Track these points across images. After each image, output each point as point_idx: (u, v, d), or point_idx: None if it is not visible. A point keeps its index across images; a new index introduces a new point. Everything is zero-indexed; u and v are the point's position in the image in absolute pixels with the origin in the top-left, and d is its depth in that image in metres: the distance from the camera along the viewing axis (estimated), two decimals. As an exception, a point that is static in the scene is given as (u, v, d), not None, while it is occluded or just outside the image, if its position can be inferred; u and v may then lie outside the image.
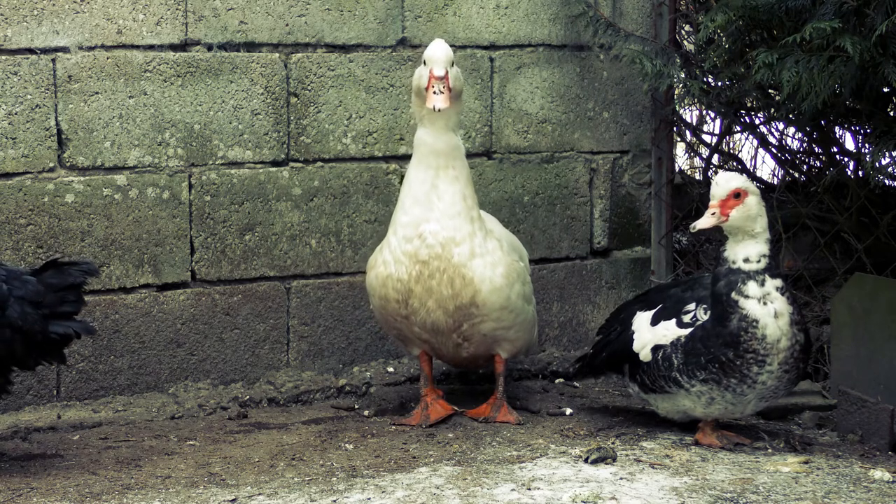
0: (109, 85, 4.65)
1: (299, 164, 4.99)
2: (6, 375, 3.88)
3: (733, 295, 3.97)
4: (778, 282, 3.98)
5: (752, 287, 3.96)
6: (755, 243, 3.99)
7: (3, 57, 4.49)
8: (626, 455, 4.07)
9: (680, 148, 6.41)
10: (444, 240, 4.28)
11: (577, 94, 5.48)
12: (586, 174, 5.53)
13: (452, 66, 4.27)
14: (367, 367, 5.10)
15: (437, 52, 4.25)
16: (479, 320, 4.35)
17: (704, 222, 4.03)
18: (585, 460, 3.98)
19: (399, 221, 4.36)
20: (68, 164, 4.62)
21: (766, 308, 3.95)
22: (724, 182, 4.00)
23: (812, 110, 4.57)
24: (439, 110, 4.18)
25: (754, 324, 3.94)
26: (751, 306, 3.95)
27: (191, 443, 4.28)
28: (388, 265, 4.36)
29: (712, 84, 5.27)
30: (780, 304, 3.97)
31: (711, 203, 4.00)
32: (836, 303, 4.52)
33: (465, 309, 4.31)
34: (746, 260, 3.99)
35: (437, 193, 4.31)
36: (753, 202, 3.98)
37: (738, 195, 3.97)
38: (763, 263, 3.98)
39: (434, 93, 4.20)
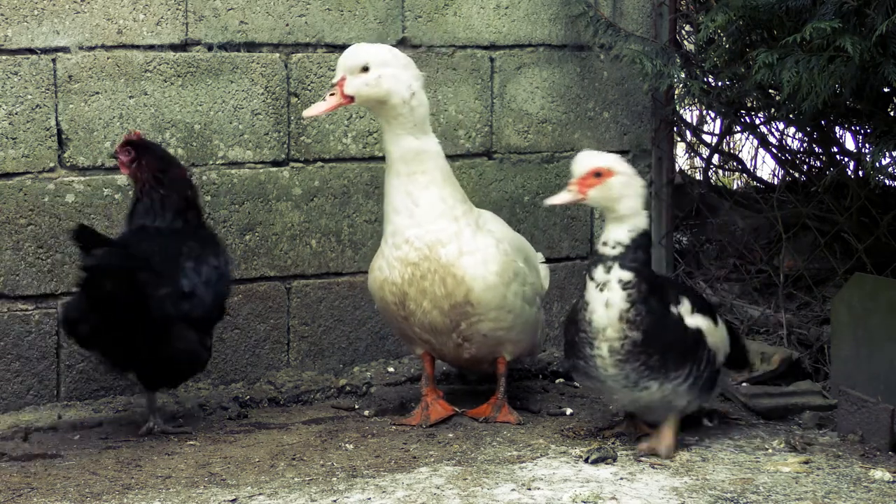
0: (110, 85, 4.65)
1: (300, 164, 4.99)
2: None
3: (585, 275, 3.98)
4: (626, 275, 3.89)
5: (598, 271, 3.92)
6: (619, 228, 3.92)
7: (4, 57, 4.49)
8: (627, 455, 4.07)
9: (680, 148, 6.41)
10: (431, 242, 4.28)
11: (578, 94, 5.48)
12: (586, 174, 5.52)
13: (367, 70, 4.18)
14: (367, 367, 5.10)
15: (341, 57, 4.23)
16: (476, 319, 4.35)
17: (559, 198, 3.99)
18: (586, 460, 3.99)
19: (386, 231, 4.38)
20: (69, 164, 4.62)
21: (601, 295, 3.90)
22: (584, 160, 3.95)
23: (812, 110, 4.57)
24: (303, 118, 4.18)
25: (585, 306, 3.94)
26: (590, 289, 3.93)
27: (191, 443, 4.28)
28: (384, 269, 4.37)
29: (712, 84, 5.27)
30: (615, 295, 3.89)
31: (571, 180, 3.96)
32: (836, 303, 4.52)
33: (460, 308, 4.31)
34: (605, 244, 3.94)
35: (412, 200, 4.29)
36: (616, 182, 3.91)
37: (599, 174, 3.90)
38: (617, 251, 3.91)
39: (322, 99, 4.23)
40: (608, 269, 3.91)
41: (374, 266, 4.45)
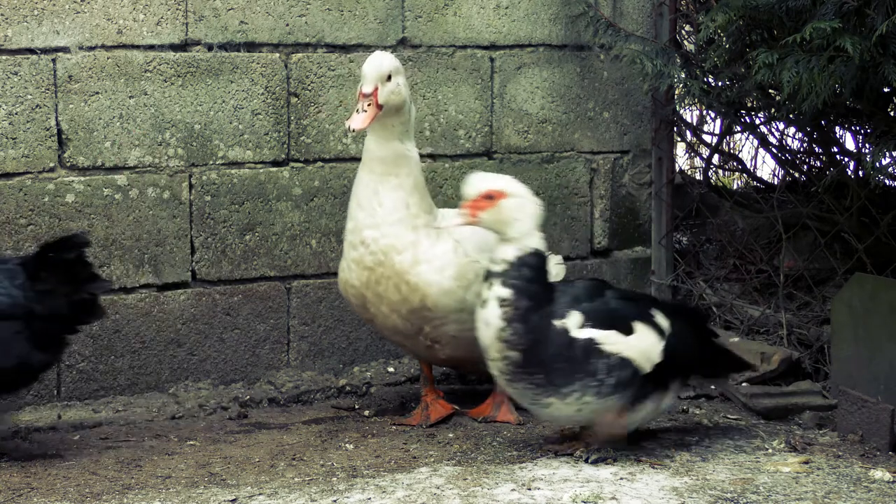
0: (110, 85, 4.65)
1: (300, 164, 5.00)
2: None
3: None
4: (504, 292, 3.79)
5: (484, 287, 3.86)
6: (506, 247, 3.83)
7: (4, 57, 4.49)
8: (627, 455, 4.07)
9: (680, 148, 6.41)
10: (385, 247, 4.24)
11: (578, 94, 5.48)
12: (587, 174, 5.53)
13: (389, 79, 4.19)
14: (367, 367, 5.10)
15: (367, 67, 4.21)
16: (438, 322, 4.33)
17: (453, 221, 3.95)
18: (586, 460, 3.98)
19: (347, 228, 4.36)
20: (69, 164, 4.62)
21: (481, 311, 3.85)
22: (475, 183, 3.87)
23: (812, 110, 4.57)
24: (353, 131, 4.15)
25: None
26: (479, 304, 3.88)
27: (191, 443, 4.28)
28: (345, 271, 4.37)
29: (712, 84, 5.27)
30: (492, 314, 3.81)
31: (463, 202, 3.88)
32: (837, 303, 4.52)
33: (418, 312, 4.28)
34: (493, 261, 3.86)
35: (378, 199, 4.26)
36: (508, 205, 3.83)
37: (490, 197, 3.83)
38: (500, 268, 3.83)
39: (357, 111, 4.18)
40: (490, 286, 3.83)
41: (340, 266, 4.45)
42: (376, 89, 4.18)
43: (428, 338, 4.36)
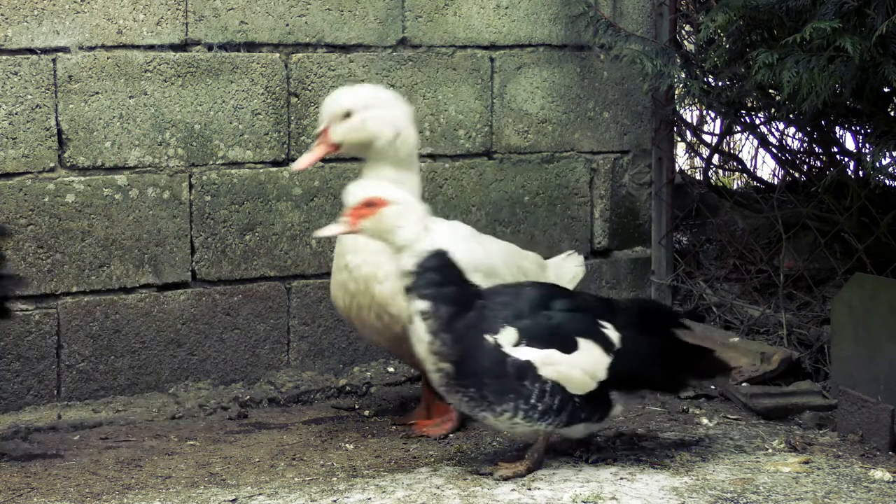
0: (110, 85, 4.65)
1: (299, 164, 4.99)
2: None
3: None
4: (421, 304, 3.68)
5: (408, 300, 3.74)
6: (403, 257, 3.71)
7: (4, 57, 4.49)
8: (627, 455, 4.07)
9: (680, 148, 6.41)
10: (367, 275, 4.16)
11: (578, 94, 5.49)
12: (587, 174, 5.53)
13: (349, 116, 4.11)
14: (367, 367, 5.10)
15: (323, 105, 4.15)
16: None
17: (330, 230, 3.80)
18: (586, 460, 3.98)
19: (335, 249, 4.30)
20: (69, 164, 4.62)
21: (411, 328, 3.75)
22: (355, 191, 3.75)
23: (812, 110, 4.57)
24: (294, 171, 4.09)
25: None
26: (408, 321, 3.78)
27: (191, 443, 4.28)
28: (333, 288, 4.33)
29: (712, 84, 5.27)
30: (419, 328, 3.70)
31: (344, 211, 3.76)
32: (837, 303, 4.52)
33: (403, 335, 4.12)
34: (402, 274, 3.72)
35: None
36: (389, 213, 3.69)
37: (371, 205, 3.70)
38: (408, 281, 3.71)
39: (309, 150, 4.15)
40: (410, 301, 3.72)
41: (331, 280, 4.37)
42: (327, 128, 4.12)
43: (415, 357, 4.32)
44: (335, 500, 3.61)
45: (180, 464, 4.03)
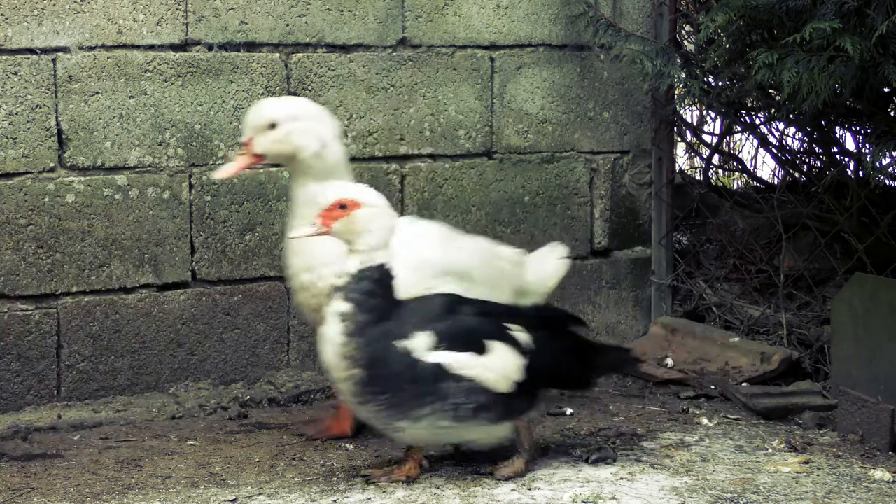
0: (110, 85, 4.66)
1: (300, 164, 4.99)
2: None
3: None
4: (344, 306, 3.63)
5: (331, 302, 3.70)
6: (351, 260, 3.67)
7: (4, 57, 4.49)
8: (627, 455, 4.07)
9: (680, 148, 6.41)
10: (325, 289, 3.99)
11: (578, 94, 5.49)
12: (587, 174, 5.53)
13: (274, 127, 4.05)
14: (367, 367, 5.09)
15: (247, 116, 4.10)
16: None
17: (301, 231, 3.78)
18: (586, 460, 3.99)
19: (290, 272, 4.22)
20: (69, 164, 4.62)
21: (322, 330, 3.70)
22: (330, 192, 3.72)
23: (812, 110, 4.57)
24: (215, 180, 4.05)
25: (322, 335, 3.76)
26: (321, 322, 3.75)
27: (191, 443, 4.28)
28: (299, 307, 4.29)
29: (713, 84, 5.27)
30: (332, 329, 3.65)
31: (316, 212, 3.72)
32: (837, 303, 4.52)
33: None
34: (338, 275, 3.69)
35: (308, 245, 4.06)
36: (360, 216, 3.65)
37: (344, 206, 3.66)
38: (342, 281, 3.66)
39: (233, 160, 4.11)
40: (334, 302, 3.67)
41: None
42: (250, 139, 4.07)
43: None
44: (335, 500, 3.61)
45: (180, 464, 4.03)
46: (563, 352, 3.94)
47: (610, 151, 5.58)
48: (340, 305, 3.64)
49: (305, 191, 4.09)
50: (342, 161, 4.17)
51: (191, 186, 4.82)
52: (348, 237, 3.67)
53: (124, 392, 4.76)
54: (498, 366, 3.75)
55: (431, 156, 5.23)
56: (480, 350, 3.74)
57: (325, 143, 4.10)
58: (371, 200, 3.70)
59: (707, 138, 6.43)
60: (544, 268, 4.54)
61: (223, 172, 4.12)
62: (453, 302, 3.82)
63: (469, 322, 3.77)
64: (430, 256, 4.12)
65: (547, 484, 3.74)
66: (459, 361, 3.69)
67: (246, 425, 4.51)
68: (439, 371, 3.67)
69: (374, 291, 3.66)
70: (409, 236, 4.08)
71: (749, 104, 5.58)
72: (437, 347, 3.68)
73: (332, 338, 3.64)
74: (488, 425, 3.76)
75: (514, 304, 4.21)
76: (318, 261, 4.05)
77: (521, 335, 3.82)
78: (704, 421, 4.52)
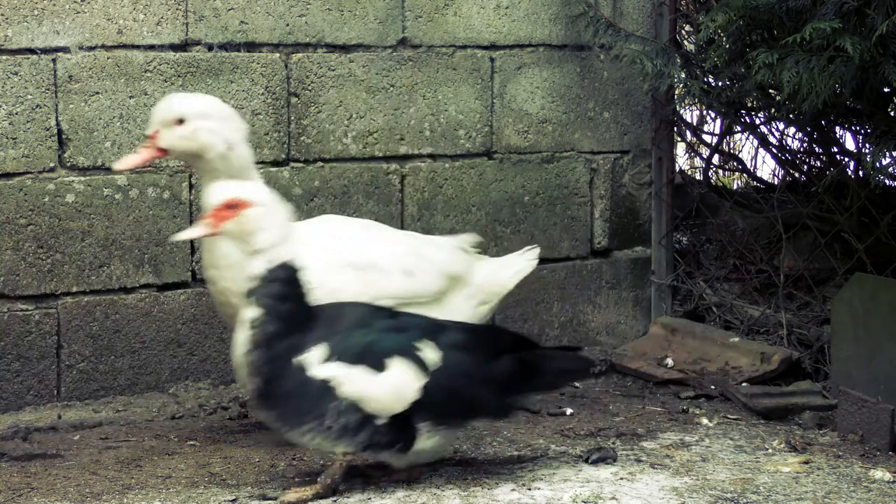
0: (110, 85, 4.66)
1: (300, 164, 5.00)
2: None
3: None
4: (254, 312, 3.52)
5: (246, 304, 3.61)
6: (258, 260, 3.55)
7: (4, 57, 4.49)
8: (627, 455, 4.07)
9: (680, 148, 6.41)
10: (224, 289, 4.03)
11: (578, 94, 5.49)
12: (587, 174, 5.53)
13: (182, 123, 3.97)
14: (367, 367, 5.09)
15: (155, 109, 4.04)
16: None
17: (190, 233, 3.70)
18: (586, 460, 3.99)
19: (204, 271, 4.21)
20: (69, 164, 4.63)
21: (237, 333, 3.64)
22: (218, 192, 3.62)
23: (812, 110, 4.57)
24: (114, 170, 4.08)
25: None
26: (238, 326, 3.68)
27: (191, 443, 4.28)
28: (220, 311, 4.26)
29: (713, 84, 5.27)
30: (242, 336, 3.56)
31: (205, 213, 3.64)
32: (837, 303, 4.52)
33: None
34: (249, 278, 3.59)
35: (213, 245, 4.04)
36: (251, 215, 3.56)
37: (233, 206, 3.57)
38: (253, 284, 3.54)
39: (136, 151, 4.07)
40: (247, 305, 3.58)
41: None
42: (156, 132, 4.02)
43: None
44: (335, 500, 3.61)
45: (180, 464, 4.03)
46: (478, 375, 3.71)
47: (610, 151, 5.58)
48: (251, 311, 3.55)
49: (206, 194, 3.95)
50: (250, 164, 4.10)
51: (191, 186, 4.82)
52: (241, 237, 3.58)
53: (124, 392, 4.76)
54: (389, 384, 3.58)
55: (431, 156, 5.23)
56: (377, 366, 3.58)
57: (231, 144, 4.02)
58: (259, 199, 3.60)
59: (707, 138, 6.44)
60: (508, 266, 4.40)
61: (124, 163, 4.07)
62: (368, 313, 3.69)
63: (374, 335, 3.62)
64: (326, 253, 4.04)
65: (547, 484, 3.75)
66: (345, 375, 3.56)
67: (246, 425, 4.51)
68: (324, 386, 3.55)
69: (285, 295, 3.56)
70: (320, 231, 4.08)
71: (749, 104, 5.58)
72: (333, 359, 3.56)
73: (242, 342, 3.58)
74: (365, 448, 3.61)
75: (453, 319, 3.95)
76: (219, 262, 4.01)
77: (431, 354, 3.64)
78: (704, 421, 4.52)
